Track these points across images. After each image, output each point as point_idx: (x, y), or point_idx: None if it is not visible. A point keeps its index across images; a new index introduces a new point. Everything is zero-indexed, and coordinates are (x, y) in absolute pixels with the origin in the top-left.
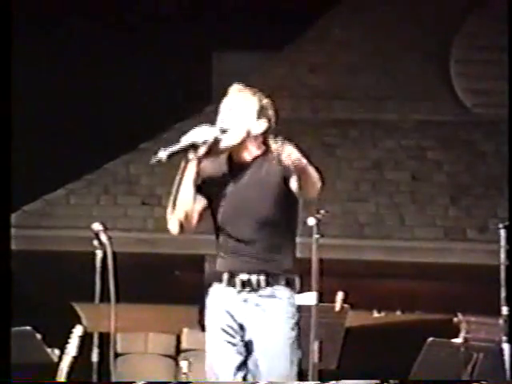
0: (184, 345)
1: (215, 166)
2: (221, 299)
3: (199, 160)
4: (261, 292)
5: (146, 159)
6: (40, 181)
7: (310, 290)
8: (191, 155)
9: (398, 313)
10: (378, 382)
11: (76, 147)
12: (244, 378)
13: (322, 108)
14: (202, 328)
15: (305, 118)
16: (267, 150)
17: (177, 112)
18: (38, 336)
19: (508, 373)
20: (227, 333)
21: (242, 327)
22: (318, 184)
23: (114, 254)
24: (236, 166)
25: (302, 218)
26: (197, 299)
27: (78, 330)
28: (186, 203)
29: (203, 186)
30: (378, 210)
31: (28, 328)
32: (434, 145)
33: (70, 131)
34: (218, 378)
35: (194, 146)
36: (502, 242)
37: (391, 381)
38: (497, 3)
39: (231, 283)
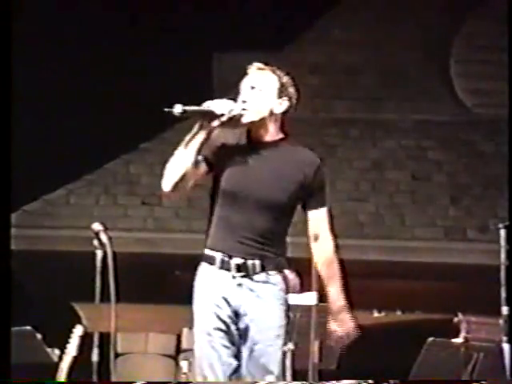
0: (184, 345)
1: (231, 137)
2: (214, 283)
3: (212, 129)
4: (255, 277)
5: (146, 159)
6: (40, 181)
7: (310, 290)
8: (205, 122)
9: (398, 313)
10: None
11: (76, 147)
12: (237, 368)
13: (322, 108)
14: None
15: (305, 118)
16: (286, 137)
17: None
18: (38, 336)
19: (508, 373)
20: (221, 319)
21: (236, 313)
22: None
23: (114, 253)
24: (253, 145)
25: (302, 218)
26: None
27: (78, 330)
28: (185, 166)
29: (211, 154)
30: (378, 209)
31: (28, 328)
32: (434, 145)
33: (70, 131)
34: (208, 371)
35: (210, 114)
36: (502, 242)
37: (391, 381)
38: (497, 3)
39: (224, 266)
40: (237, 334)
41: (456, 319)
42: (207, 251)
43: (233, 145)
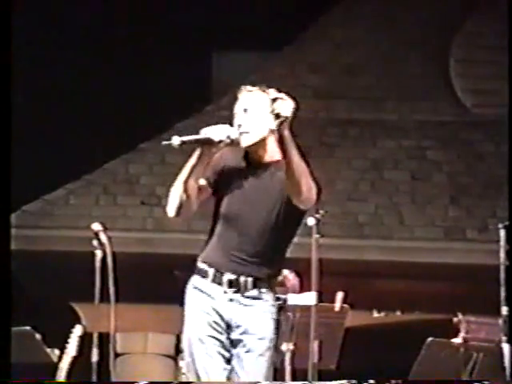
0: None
1: (232, 159)
2: (206, 295)
3: (211, 156)
4: (246, 293)
5: (145, 159)
6: (40, 181)
7: (309, 290)
8: (205, 150)
9: (398, 313)
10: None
11: (75, 147)
12: (228, 376)
13: (322, 108)
14: None
15: (305, 118)
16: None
17: (177, 112)
18: (38, 336)
19: (508, 373)
20: (214, 330)
21: (228, 325)
22: (306, 188)
23: (114, 253)
24: (252, 165)
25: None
26: None
27: (77, 330)
28: (185, 191)
29: (213, 176)
30: (378, 210)
31: (28, 328)
32: (434, 145)
33: (69, 131)
34: (204, 377)
35: (209, 142)
36: (502, 242)
37: (391, 381)
38: (497, 3)
39: (216, 280)
40: (229, 343)
41: (455, 319)
42: (201, 264)
43: (233, 167)
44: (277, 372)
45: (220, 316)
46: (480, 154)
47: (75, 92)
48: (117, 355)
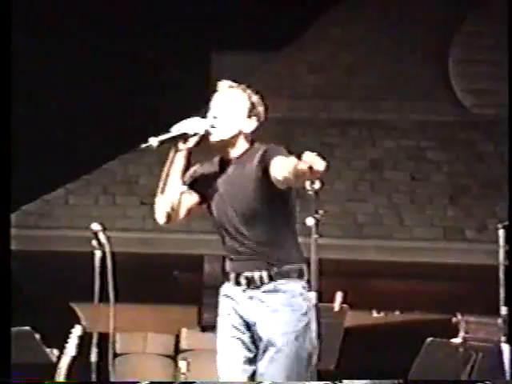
0: (183, 345)
1: (209, 165)
2: (229, 298)
3: (189, 151)
4: (264, 288)
5: (144, 159)
6: (39, 181)
7: (309, 290)
8: (181, 145)
9: (397, 313)
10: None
11: (75, 147)
12: (253, 374)
13: (321, 108)
14: (202, 328)
15: (304, 117)
16: (251, 146)
17: (176, 112)
18: (37, 336)
19: (507, 373)
20: (236, 330)
21: (248, 325)
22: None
23: (113, 254)
24: (223, 164)
25: (301, 219)
26: (195, 299)
27: (76, 330)
28: (172, 194)
29: (196, 185)
30: (377, 210)
31: (27, 328)
32: (433, 145)
33: (68, 131)
34: (227, 374)
35: (184, 137)
36: (501, 242)
37: (390, 381)
38: (496, 3)
39: (237, 282)
40: (251, 343)
41: (455, 319)
42: (227, 272)
43: (210, 172)
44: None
45: (240, 316)
46: (479, 154)
47: (75, 92)
48: (116, 355)
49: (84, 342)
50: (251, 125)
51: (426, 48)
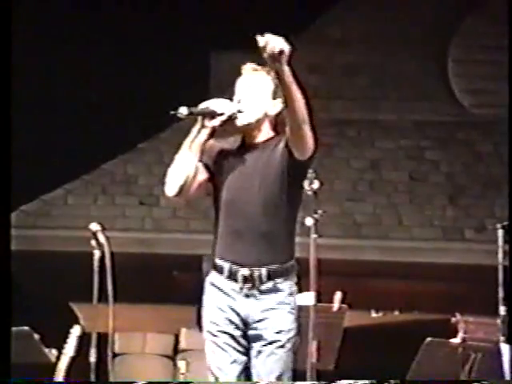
0: (182, 345)
1: (227, 144)
2: (222, 292)
3: (213, 129)
4: (262, 287)
5: (143, 159)
6: (38, 181)
7: (308, 290)
8: (207, 122)
9: (396, 313)
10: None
11: (74, 147)
12: (245, 366)
13: (320, 108)
14: (200, 328)
15: None
16: (277, 135)
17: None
18: (36, 336)
19: (506, 373)
20: (227, 325)
21: (245, 322)
22: (308, 139)
23: (112, 254)
24: (247, 147)
25: (300, 218)
26: (194, 299)
27: (75, 330)
28: (189, 168)
29: (211, 162)
30: (376, 210)
31: (26, 328)
32: (432, 145)
33: (67, 131)
34: (218, 372)
35: (211, 114)
36: (500, 242)
37: (391, 381)
38: (496, 3)
39: (232, 277)
40: (245, 340)
41: (454, 319)
42: (217, 260)
43: (228, 152)
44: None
45: (236, 313)
46: (478, 154)
47: (74, 92)
48: (115, 355)
49: (83, 341)
50: (276, 107)
51: (425, 48)
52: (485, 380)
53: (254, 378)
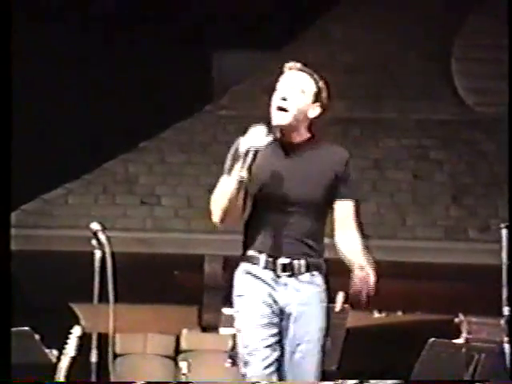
0: (183, 345)
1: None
2: (260, 280)
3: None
4: (300, 277)
5: (145, 159)
6: (38, 180)
7: None
8: (251, 154)
9: (399, 313)
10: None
11: (75, 146)
12: (278, 367)
13: None
14: (202, 329)
15: None
16: (314, 137)
17: (176, 111)
18: (37, 336)
19: (510, 373)
20: (268, 316)
21: (281, 311)
22: None
23: (113, 253)
24: (285, 146)
25: None
26: (196, 300)
27: (76, 331)
28: (233, 194)
29: None
30: (379, 209)
31: (26, 328)
32: (435, 144)
33: (68, 130)
34: (250, 362)
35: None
36: (504, 242)
37: (392, 381)
38: (497, 2)
39: (270, 266)
40: (280, 331)
41: (457, 320)
42: (251, 252)
43: (265, 150)
44: None
45: (275, 302)
46: (482, 152)
47: (75, 92)
48: (116, 356)
49: (84, 342)
50: (315, 111)
51: (427, 46)
52: (488, 381)
53: (288, 377)
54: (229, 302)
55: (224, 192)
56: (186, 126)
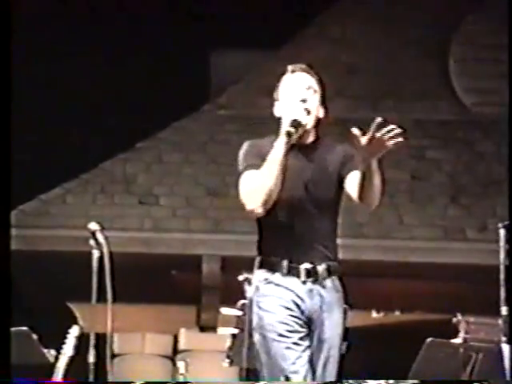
0: (181, 345)
1: (271, 145)
2: (283, 288)
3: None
4: (323, 283)
5: (142, 158)
6: (36, 180)
7: None
8: (294, 135)
9: (397, 313)
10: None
11: (72, 146)
12: (312, 371)
13: None
14: (200, 329)
15: None
16: (320, 138)
17: (174, 111)
18: (35, 336)
19: (508, 373)
20: (295, 322)
21: (309, 318)
22: (378, 195)
23: (111, 253)
24: (297, 147)
25: None
26: (194, 299)
27: (74, 331)
28: (275, 181)
29: (262, 163)
30: (377, 209)
31: (24, 328)
32: (434, 144)
33: (66, 130)
34: (284, 367)
35: (297, 125)
36: (502, 242)
37: (390, 381)
38: (496, 2)
39: (293, 272)
40: (309, 337)
41: (455, 319)
42: (270, 258)
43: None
44: None
45: (300, 309)
46: (480, 153)
47: (73, 91)
48: (114, 356)
49: (81, 342)
50: (322, 112)
51: (426, 47)
52: (486, 380)
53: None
54: (227, 302)
55: (270, 168)
56: (184, 125)
